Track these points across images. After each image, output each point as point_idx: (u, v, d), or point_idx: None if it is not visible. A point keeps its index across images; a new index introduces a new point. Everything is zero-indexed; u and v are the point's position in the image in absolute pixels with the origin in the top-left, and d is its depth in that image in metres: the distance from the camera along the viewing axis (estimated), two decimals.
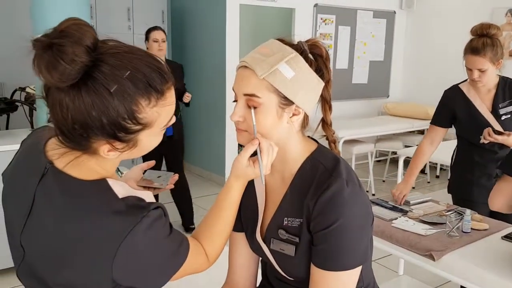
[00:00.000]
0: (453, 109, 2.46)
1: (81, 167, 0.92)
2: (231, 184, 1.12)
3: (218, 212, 1.12)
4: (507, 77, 2.43)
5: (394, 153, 5.66)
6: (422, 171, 5.62)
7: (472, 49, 2.25)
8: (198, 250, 1.07)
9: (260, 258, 1.29)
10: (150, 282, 0.94)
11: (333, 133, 1.18)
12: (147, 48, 3.65)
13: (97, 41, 0.84)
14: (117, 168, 1.04)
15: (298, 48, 1.07)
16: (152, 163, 1.34)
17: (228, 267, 1.31)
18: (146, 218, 0.89)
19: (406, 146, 5.46)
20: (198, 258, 1.06)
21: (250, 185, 1.19)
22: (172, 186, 1.29)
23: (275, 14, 6.13)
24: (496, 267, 1.77)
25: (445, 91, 2.54)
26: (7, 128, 3.83)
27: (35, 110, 3.46)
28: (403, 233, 2.04)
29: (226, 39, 5.11)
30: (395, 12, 6.44)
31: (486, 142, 2.29)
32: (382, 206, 2.35)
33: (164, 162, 4.00)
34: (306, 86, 1.05)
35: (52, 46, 0.79)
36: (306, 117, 1.11)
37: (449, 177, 2.69)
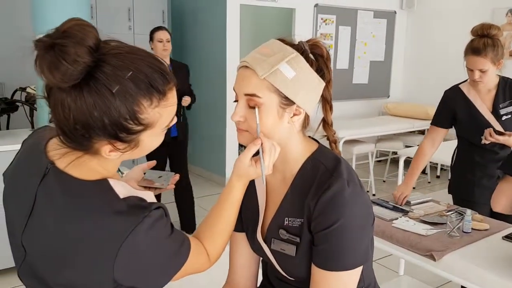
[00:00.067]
0: (453, 110, 2.46)
1: (83, 167, 0.92)
2: (233, 184, 1.12)
3: (220, 211, 1.12)
4: (507, 77, 2.43)
5: (395, 153, 5.66)
6: (423, 171, 5.61)
7: (473, 50, 2.25)
8: (199, 249, 1.07)
9: (261, 258, 1.29)
10: (152, 282, 0.94)
11: (334, 133, 1.19)
12: (152, 49, 3.64)
13: (99, 42, 0.85)
14: (117, 168, 1.04)
15: (299, 48, 1.07)
16: (152, 163, 1.34)
17: (229, 267, 1.31)
18: (147, 218, 0.89)
19: (407, 146, 5.46)
20: (200, 257, 1.06)
21: (251, 185, 1.19)
22: (173, 187, 1.29)
23: (276, 14, 6.13)
24: (496, 267, 1.77)
25: (445, 91, 2.54)
26: (7, 128, 3.83)
27: (36, 110, 3.46)
28: (404, 233, 2.04)
29: (226, 39, 5.11)
30: (395, 12, 6.44)
31: (487, 142, 2.29)
32: (382, 206, 2.36)
33: (168, 162, 4.00)
34: (307, 86, 1.05)
35: (54, 47, 0.79)
36: (307, 117, 1.11)
37: (449, 177, 2.69)
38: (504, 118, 2.36)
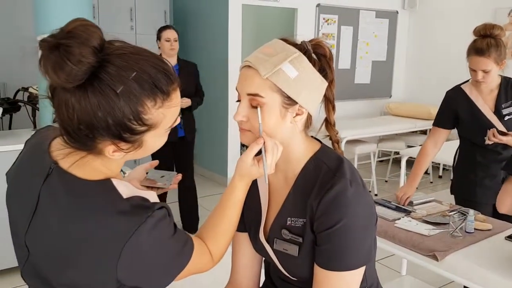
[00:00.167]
0: (455, 110, 2.46)
1: (86, 167, 0.92)
2: (236, 184, 1.12)
3: (223, 211, 1.12)
4: (509, 77, 2.43)
5: (397, 153, 5.65)
6: (425, 172, 5.60)
7: (476, 50, 2.24)
8: (202, 249, 1.07)
9: (264, 258, 1.29)
10: (155, 282, 0.94)
11: (337, 133, 1.18)
12: (159, 48, 3.63)
13: (103, 42, 0.85)
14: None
15: (302, 48, 1.07)
16: (155, 163, 1.34)
17: (231, 267, 1.31)
18: (150, 218, 0.89)
19: (409, 146, 5.46)
20: (203, 257, 1.06)
21: (253, 186, 1.19)
22: (176, 186, 1.29)
23: (278, 14, 6.14)
24: (499, 267, 1.77)
25: (447, 92, 2.53)
26: (10, 128, 3.83)
27: (38, 110, 3.46)
28: (406, 233, 2.04)
29: (228, 39, 5.11)
30: (397, 12, 6.43)
31: (490, 143, 2.29)
32: (385, 206, 2.35)
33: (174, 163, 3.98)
34: (309, 86, 1.05)
35: (59, 47, 0.80)
36: (309, 117, 1.11)
37: (451, 178, 2.69)
38: (506, 118, 2.36)
